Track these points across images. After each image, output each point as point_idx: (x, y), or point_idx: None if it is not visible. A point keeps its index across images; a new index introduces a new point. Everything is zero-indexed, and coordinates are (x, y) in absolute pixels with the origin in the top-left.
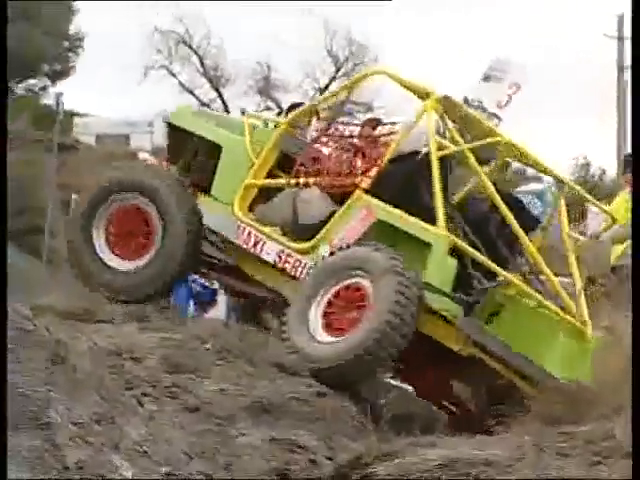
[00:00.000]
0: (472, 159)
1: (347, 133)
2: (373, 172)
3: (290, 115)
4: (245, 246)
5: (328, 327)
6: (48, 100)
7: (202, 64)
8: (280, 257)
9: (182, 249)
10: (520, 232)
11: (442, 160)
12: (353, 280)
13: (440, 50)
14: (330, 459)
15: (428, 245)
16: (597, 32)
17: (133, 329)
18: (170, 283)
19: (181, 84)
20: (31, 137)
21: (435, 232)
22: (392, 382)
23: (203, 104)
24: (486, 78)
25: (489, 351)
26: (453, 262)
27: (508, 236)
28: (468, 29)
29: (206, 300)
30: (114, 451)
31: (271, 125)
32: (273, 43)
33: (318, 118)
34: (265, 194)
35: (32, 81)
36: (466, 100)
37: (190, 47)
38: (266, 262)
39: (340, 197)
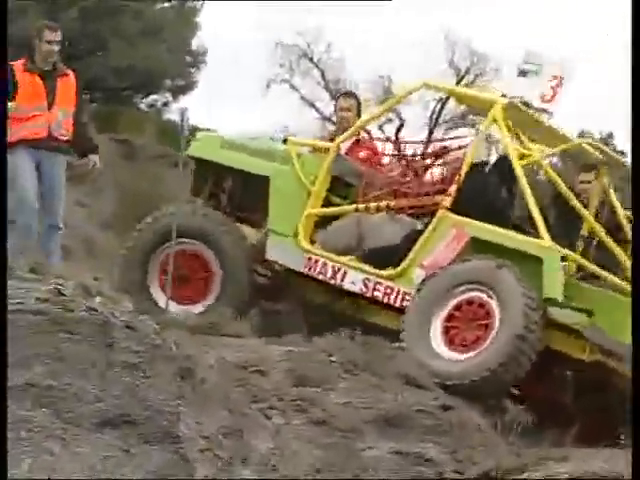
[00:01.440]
0: (546, 165)
1: (410, 152)
2: (452, 189)
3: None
4: (321, 277)
5: (452, 344)
6: (171, 115)
7: (323, 77)
8: (367, 286)
9: (245, 288)
10: (599, 229)
11: (511, 166)
12: (475, 294)
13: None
14: (459, 473)
15: (533, 258)
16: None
17: (260, 342)
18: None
19: (302, 98)
20: (155, 152)
21: (545, 245)
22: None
23: (324, 118)
24: (522, 73)
25: (616, 355)
26: (563, 273)
27: (570, 227)
28: None
29: None
30: (242, 465)
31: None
32: (394, 55)
33: (371, 139)
34: (320, 220)
35: (155, 97)
36: (503, 96)
37: (311, 60)
38: (346, 292)
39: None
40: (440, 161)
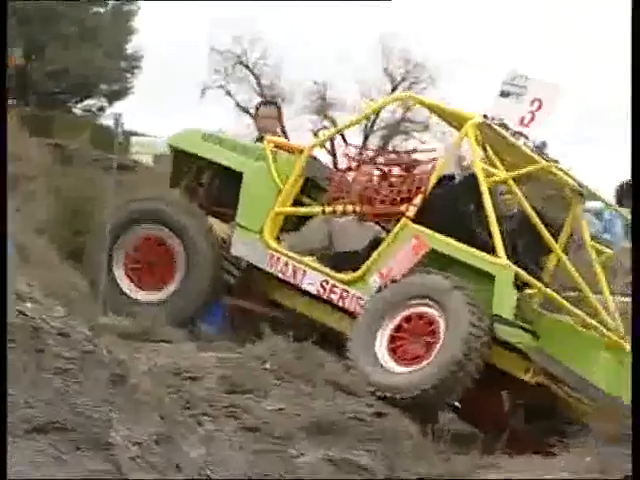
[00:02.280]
0: (513, 185)
1: (380, 160)
2: (417, 200)
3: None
4: (281, 275)
5: (396, 356)
6: (106, 120)
7: (258, 84)
8: (324, 288)
9: (208, 280)
10: (558, 250)
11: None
12: (427, 310)
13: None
14: None
15: (489, 275)
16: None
17: (192, 348)
18: (195, 315)
19: (238, 104)
20: (89, 157)
21: (499, 263)
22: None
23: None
24: (504, 94)
25: (559, 380)
26: (515, 292)
27: (534, 254)
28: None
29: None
30: (175, 471)
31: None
32: (329, 62)
33: (346, 144)
34: (290, 221)
35: (90, 101)
36: (486, 117)
37: (247, 67)
38: (305, 292)
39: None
40: (408, 172)
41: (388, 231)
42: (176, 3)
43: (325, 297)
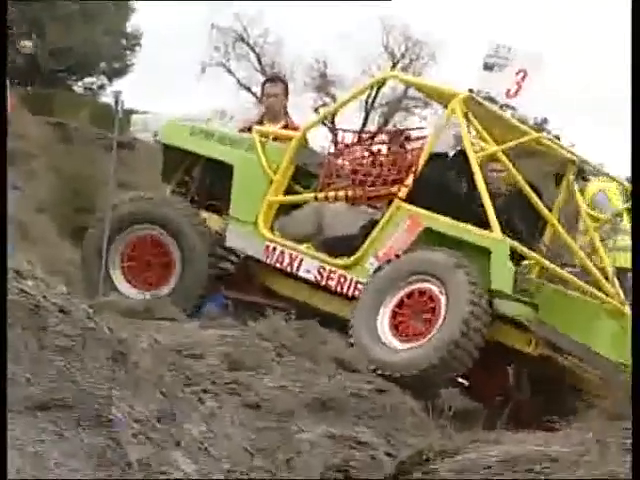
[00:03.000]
0: (504, 158)
1: (368, 142)
2: (409, 180)
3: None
4: (278, 265)
5: (397, 333)
6: (107, 98)
7: (259, 61)
8: (321, 274)
9: (204, 275)
10: (555, 222)
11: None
12: (423, 285)
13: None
14: (391, 455)
15: (484, 250)
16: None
17: (194, 326)
18: (193, 311)
19: (238, 81)
20: (90, 135)
21: (494, 237)
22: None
23: (261, 101)
24: (488, 67)
25: (563, 350)
26: (512, 266)
27: (530, 226)
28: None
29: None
30: (175, 448)
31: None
32: (330, 40)
33: (335, 129)
34: (282, 209)
35: (90, 79)
36: (471, 91)
37: (248, 44)
38: (303, 280)
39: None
40: (398, 152)
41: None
42: None
43: (323, 284)
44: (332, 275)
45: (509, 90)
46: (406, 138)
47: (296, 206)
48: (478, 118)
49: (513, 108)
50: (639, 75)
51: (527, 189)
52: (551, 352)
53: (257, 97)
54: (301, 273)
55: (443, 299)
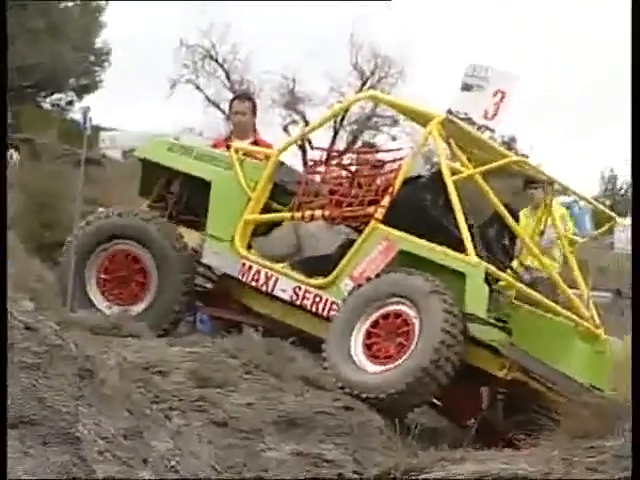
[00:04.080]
0: (480, 180)
1: (347, 162)
2: (385, 201)
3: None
4: (254, 284)
5: (370, 353)
6: (75, 115)
7: (228, 78)
8: (297, 294)
9: (181, 291)
10: (531, 245)
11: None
12: (396, 307)
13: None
14: (358, 473)
15: (460, 274)
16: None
17: (161, 343)
18: (170, 327)
19: (207, 98)
20: (58, 152)
21: (470, 261)
22: None
23: (229, 118)
24: (466, 87)
25: (534, 375)
26: (487, 289)
27: (504, 246)
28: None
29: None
30: (142, 466)
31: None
32: (299, 57)
33: (312, 147)
34: (260, 227)
35: (59, 95)
36: (450, 112)
37: (216, 61)
38: (278, 299)
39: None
40: (375, 172)
41: (360, 231)
42: None
43: (298, 303)
44: (307, 295)
45: (487, 111)
46: (381, 161)
47: (276, 224)
48: (455, 139)
49: (492, 130)
50: (639, 75)
51: (502, 210)
52: (523, 376)
53: (225, 114)
54: (277, 292)
55: (417, 324)
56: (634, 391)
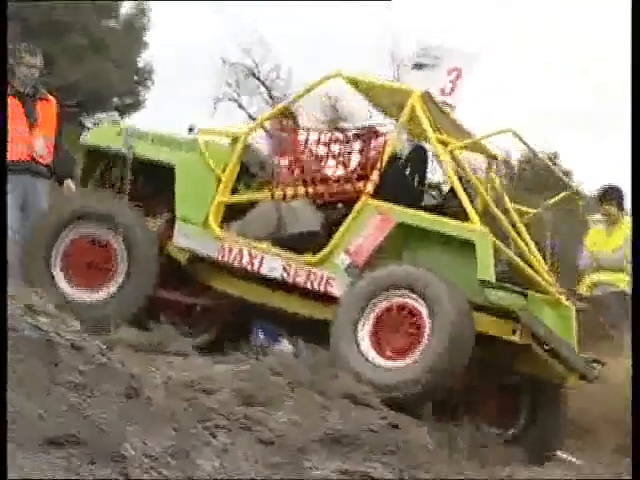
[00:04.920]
0: (460, 157)
1: (323, 139)
2: (375, 176)
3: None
4: (237, 264)
5: (379, 349)
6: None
7: (270, 95)
8: (287, 272)
9: (151, 274)
10: (497, 212)
11: (425, 154)
12: (402, 300)
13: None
14: None
15: (467, 243)
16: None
17: (206, 361)
18: (139, 311)
19: (250, 116)
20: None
21: (476, 229)
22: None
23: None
24: (417, 66)
25: (544, 342)
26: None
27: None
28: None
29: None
30: None
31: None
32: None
33: (298, 127)
34: (231, 209)
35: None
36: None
37: (258, 79)
38: (262, 279)
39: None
40: (360, 147)
41: (346, 213)
42: (186, 17)
43: (291, 281)
44: (300, 272)
45: (443, 89)
46: (374, 133)
47: (250, 205)
48: (433, 116)
49: (452, 106)
50: (639, 75)
51: (476, 182)
52: (534, 343)
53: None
54: (264, 271)
55: (425, 312)
56: (634, 391)
